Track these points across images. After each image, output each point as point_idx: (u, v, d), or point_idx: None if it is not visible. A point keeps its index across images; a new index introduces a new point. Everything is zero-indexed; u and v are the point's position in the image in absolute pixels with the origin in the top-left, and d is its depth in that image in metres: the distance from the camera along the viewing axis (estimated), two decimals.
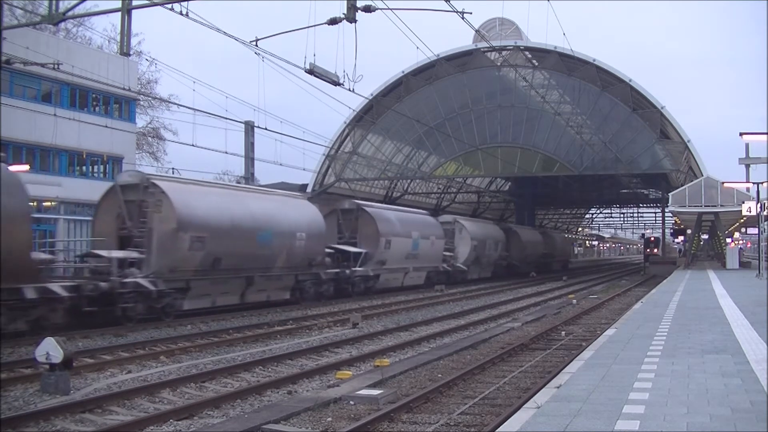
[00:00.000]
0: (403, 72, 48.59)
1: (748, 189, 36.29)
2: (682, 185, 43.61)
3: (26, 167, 28.61)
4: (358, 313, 22.55)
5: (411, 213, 39.63)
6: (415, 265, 36.31)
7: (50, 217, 34.50)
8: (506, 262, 50.58)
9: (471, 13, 17.95)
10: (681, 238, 65.86)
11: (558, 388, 8.24)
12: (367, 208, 33.52)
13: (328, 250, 29.48)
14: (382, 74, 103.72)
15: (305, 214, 27.88)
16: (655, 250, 70.52)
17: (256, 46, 17.82)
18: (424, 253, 37.01)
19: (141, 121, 46.79)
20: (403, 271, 35.44)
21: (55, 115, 29.71)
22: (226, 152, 32.64)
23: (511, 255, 51.41)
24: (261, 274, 24.43)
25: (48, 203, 34.46)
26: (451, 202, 65.48)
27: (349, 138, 50.88)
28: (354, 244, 32.20)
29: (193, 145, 29.93)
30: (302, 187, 47.89)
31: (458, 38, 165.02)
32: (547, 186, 58.72)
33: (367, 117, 48.96)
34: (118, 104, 37.40)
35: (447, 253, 41.09)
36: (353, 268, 30.69)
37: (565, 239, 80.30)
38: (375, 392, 10.71)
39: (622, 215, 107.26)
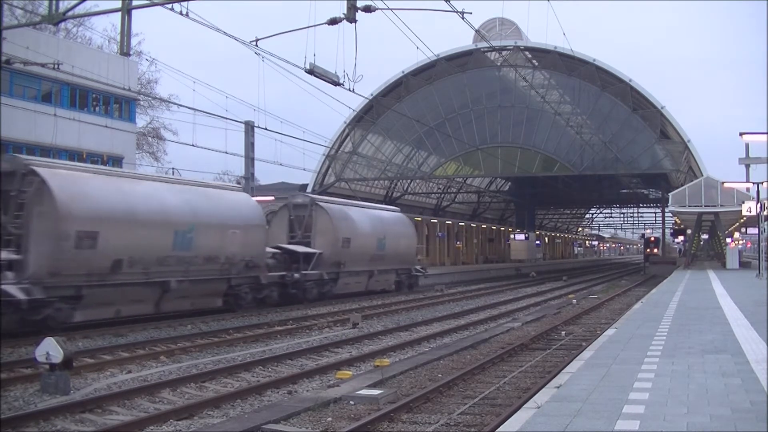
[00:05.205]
0: (403, 72, 48.66)
1: (748, 189, 36.34)
2: (682, 185, 43.67)
3: None
4: (358, 313, 22.56)
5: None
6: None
7: None
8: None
9: (471, 13, 18.00)
10: (681, 238, 65.93)
11: (558, 388, 8.24)
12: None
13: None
14: (382, 74, 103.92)
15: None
16: (655, 250, 70.56)
17: (256, 46, 17.84)
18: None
19: (141, 121, 46.86)
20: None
21: (55, 115, 29.72)
22: (226, 152, 32.74)
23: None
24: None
25: None
26: (451, 202, 65.53)
27: (349, 138, 50.93)
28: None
29: (193, 145, 30.03)
30: (302, 187, 47.97)
31: (458, 38, 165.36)
32: (547, 186, 58.76)
33: (367, 117, 49.01)
34: (118, 104, 37.39)
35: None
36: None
37: (408, 224, 37.38)
38: (375, 392, 10.71)
39: (622, 215, 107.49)
